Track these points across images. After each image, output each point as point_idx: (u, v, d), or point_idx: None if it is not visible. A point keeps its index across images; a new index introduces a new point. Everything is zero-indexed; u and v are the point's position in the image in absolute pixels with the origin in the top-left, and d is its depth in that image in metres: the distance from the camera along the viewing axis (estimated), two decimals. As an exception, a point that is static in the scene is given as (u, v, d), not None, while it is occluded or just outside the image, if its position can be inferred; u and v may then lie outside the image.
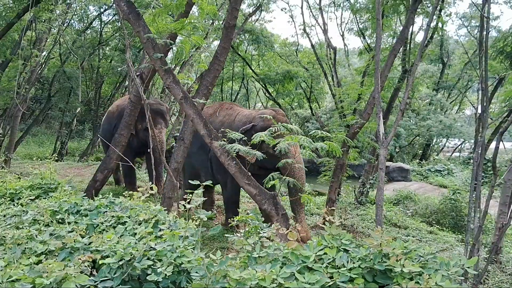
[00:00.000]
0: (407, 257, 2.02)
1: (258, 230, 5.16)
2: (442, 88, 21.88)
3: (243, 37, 19.65)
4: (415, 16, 9.19)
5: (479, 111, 3.62)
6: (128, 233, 2.45)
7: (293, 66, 20.18)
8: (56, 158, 16.60)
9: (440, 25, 13.17)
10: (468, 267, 1.96)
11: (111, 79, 20.98)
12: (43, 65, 16.23)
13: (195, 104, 3.53)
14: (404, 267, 1.97)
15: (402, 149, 19.85)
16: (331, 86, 16.17)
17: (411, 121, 19.57)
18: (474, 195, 3.51)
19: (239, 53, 20.34)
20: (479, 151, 3.24)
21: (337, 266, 2.05)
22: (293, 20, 27.47)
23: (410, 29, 10.69)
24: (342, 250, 2.11)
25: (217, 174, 7.55)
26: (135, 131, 8.91)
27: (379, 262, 2.05)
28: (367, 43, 15.23)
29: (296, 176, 6.50)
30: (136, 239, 2.34)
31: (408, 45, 11.21)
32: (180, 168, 5.08)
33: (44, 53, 16.33)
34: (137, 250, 2.11)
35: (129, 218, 2.63)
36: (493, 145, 12.40)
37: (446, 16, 13.37)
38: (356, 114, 10.83)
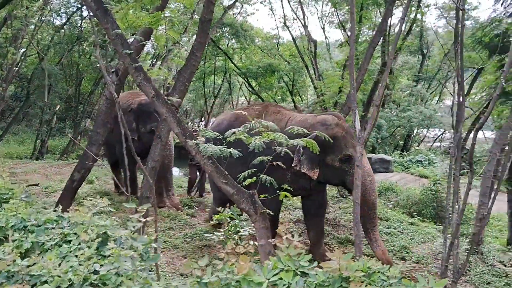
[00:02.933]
0: (370, 280, 1.86)
1: (237, 229, 5.09)
2: (422, 79, 22.08)
3: (223, 31, 19.49)
4: (394, 8, 9.23)
5: (455, 105, 3.61)
6: (73, 253, 2.24)
7: (275, 59, 20.11)
8: (36, 157, 16.19)
9: (419, 16, 13.24)
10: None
11: (91, 76, 20.67)
12: (21, 63, 15.89)
13: (168, 102, 3.45)
14: None
15: (384, 140, 19.97)
16: (313, 79, 16.17)
17: (392, 112, 19.69)
18: (452, 190, 3.51)
19: (220, 47, 20.18)
20: (456, 146, 3.23)
21: None
22: (273, 13, 27.49)
23: (389, 21, 10.71)
24: (299, 273, 1.90)
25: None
26: (138, 135, 8.50)
27: (338, 287, 1.86)
28: (348, 35, 15.22)
29: (368, 190, 5.86)
30: (79, 261, 2.13)
31: (387, 37, 11.23)
32: (157, 167, 4.97)
33: (22, 50, 15.99)
34: (76, 275, 1.92)
35: (76, 235, 2.42)
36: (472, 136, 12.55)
37: (425, 7, 13.43)
38: (337, 107, 10.84)
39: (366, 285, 1.76)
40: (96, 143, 6.94)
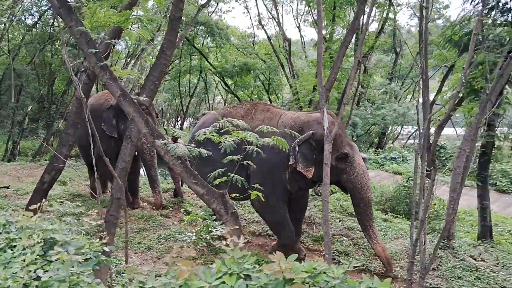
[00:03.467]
0: (314, 281, 1.77)
1: (209, 229, 5.04)
2: (396, 77, 22.38)
3: (198, 29, 19.36)
4: (366, 6, 9.29)
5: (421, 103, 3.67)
6: (17, 259, 2.07)
7: (251, 58, 20.07)
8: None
9: (391, 15, 13.39)
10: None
11: (64, 75, 20.27)
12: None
13: (135, 101, 3.38)
14: None
15: (359, 138, 20.18)
16: (288, 77, 16.22)
17: (367, 110, 19.91)
18: (418, 187, 3.57)
19: (195, 45, 20.05)
20: (421, 143, 3.28)
21: None
22: (248, 12, 27.34)
23: (362, 20, 10.78)
24: (243, 276, 1.83)
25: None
26: (117, 133, 8.23)
27: None
28: (323, 34, 15.30)
29: (364, 187, 5.84)
30: (22, 267, 2.01)
31: (360, 36, 11.31)
32: (128, 168, 4.88)
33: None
34: (16, 282, 1.83)
35: (22, 240, 2.32)
36: (444, 132, 12.77)
37: (397, 6, 13.61)
38: (311, 105, 10.90)
39: (309, 286, 1.72)
40: (66, 144, 6.81)
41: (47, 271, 1.91)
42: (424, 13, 3.29)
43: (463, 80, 3.16)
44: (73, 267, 1.91)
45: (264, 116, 6.36)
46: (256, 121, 6.18)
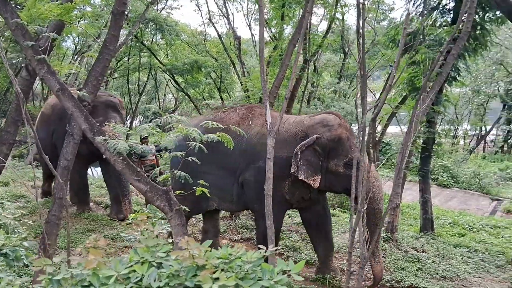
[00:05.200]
0: (228, 267, 1.74)
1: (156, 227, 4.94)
2: (344, 76, 22.88)
3: (146, 26, 18.98)
4: (315, 6, 9.50)
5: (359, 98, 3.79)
6: None
7: (202, 55, 19.86)
8: None
9: (339, 15, 13.69)
10: (295, 273, 1.72)
11: (6, 72, 19.34)
12: None
13: (73, 96, 3.29)
14: (216, 281, 1.67)
15: (309, 136, 20.43)
16: (239, 75, 16.24)
17: (317, 109, 20.23)
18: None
19: (143, 42, 19.65)
20: (360, 137, 3.39)
21: (144, 286, 1.72)
22: (199, 9, 27.29)
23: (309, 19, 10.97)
24: (155, 265, 1.77)
25: (252, 203, 5.81)
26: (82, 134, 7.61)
27: (192, 276, 1.73)
28: (272, 33, 15.44)
29: (377, 198, 5.22)
30: None
31: (308, 35, 11.52)
32: (70, 166, 4.73)
33: None
34: None
35: None
36: (389, 129, 13.21)
37: (344, 7, 13.94)
38: (262, 103, 10.98)
39: (221, 272, 1.72)
40: (6, 142, 6.54)
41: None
42: (361, 10, 3.41)
43: (394, 73, 3.30)
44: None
45: (263, 121, 5.71)
46: (254, 128, 5.72)
